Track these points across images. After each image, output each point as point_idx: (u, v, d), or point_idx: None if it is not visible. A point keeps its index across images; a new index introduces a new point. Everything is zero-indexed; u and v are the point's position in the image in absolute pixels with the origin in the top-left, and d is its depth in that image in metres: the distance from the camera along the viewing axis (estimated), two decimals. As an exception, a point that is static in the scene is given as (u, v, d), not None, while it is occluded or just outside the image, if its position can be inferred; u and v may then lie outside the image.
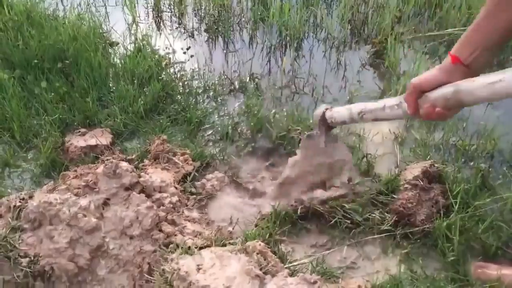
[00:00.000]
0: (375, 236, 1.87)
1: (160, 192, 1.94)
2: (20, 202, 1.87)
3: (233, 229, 1.91)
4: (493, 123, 2.38)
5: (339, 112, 1.76)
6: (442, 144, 2.31)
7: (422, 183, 1.96)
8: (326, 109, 1.83)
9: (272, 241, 1.81)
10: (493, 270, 1.69)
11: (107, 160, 2.04)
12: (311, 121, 2.30)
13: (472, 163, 2.21)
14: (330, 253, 1.83)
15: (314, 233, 1.91)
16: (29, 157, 2.25)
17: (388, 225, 1.87)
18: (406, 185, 1.97)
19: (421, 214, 1.88)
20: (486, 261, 1.77)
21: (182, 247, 1.71)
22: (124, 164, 1.91)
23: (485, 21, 1.12)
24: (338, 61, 3.03)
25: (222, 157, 2.26)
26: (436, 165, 2.05)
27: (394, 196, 1.96)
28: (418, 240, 1.86)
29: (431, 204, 1.92)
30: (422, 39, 3.12)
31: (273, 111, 2.51)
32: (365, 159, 2.18)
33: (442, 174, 2.04)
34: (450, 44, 3.09)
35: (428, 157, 2.21)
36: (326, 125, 1.85)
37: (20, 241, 1.74)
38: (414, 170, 2.04)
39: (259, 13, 3.35)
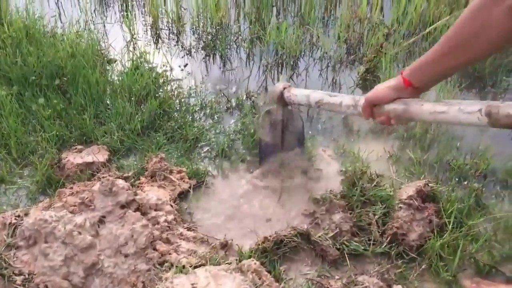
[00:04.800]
0: (370, 256, 1.88)
1: (156, 210, 1.94)
2: (15, 219, 1.88)
3: (228, 247, 1.91)
4: (487, 142, 2.41)
5: (297, 96, 1.96)
6: (437, 163, 2.33)
7: (416, 203, 1.97)
8: (284, 88, 2.02)
9: (267, 260, 1.81)
10: (487, 286, 1.71)
11: (103, 177, 2.05)
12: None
13: (465, 182, 2.23)
14: (326, 272, 1.83)
15: (309, 251, 1.91)
16: (25, 174, 2.25)
17: (383, 246, 1.88)
18: (400, 205, 1.98)
19: (414, 233, 1.89)
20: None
21: (176, 266, 1.72)
22: (120, 182, 1.92)
23: (442, 58, 1.21)
24: (334, 80, 3.07)
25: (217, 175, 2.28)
26: (430, 184, 2.07)
27: (389, 215, 1.98)
28: (412, 260, 1.86)
29: (424, 223, 1.94)
30: (416, 58, 3.17)
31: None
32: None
33: (436, 193, 2.05)
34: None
35: (423, 176, 2.23)
36: (283, 101, 2.04)
37: (14, 259, 1.74)
38: (408, 189, 2.05)
39: (256, 32, 3.40)
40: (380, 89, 1.42)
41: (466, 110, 1.21)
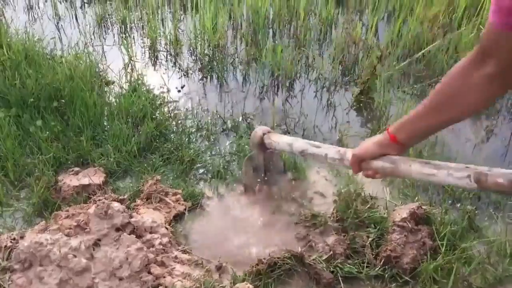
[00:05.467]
0: (364, 279, 1.88)
1: (151, 232, 1.95)
2: (11, 242, 1.89)
3: (222, 270, 1.92)
4: (480, 164, 2.42)
5: (278, 143, 2.01)
6: (430, 185, 2.35)
7: (409, 225, 1.99)
8: (264, 133, 2.09)
9: (261, 283, 1.82)
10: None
11: (99, 200, 2.06)
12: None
13: (459, 205, 2.25)
14: (318, 295, 1.84)
15: (303, 274, 1.92)
16: (21, 196, 2.26)
17: (377, 268, 1.89)
18: (394, 227, 1.99)
19: (408, 256, 1.90)
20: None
21: (171, 289, 1.72)
22: (115, 205, 1.94)
23: (428, 115, 1.25)
24: (329, 101, 3.10)
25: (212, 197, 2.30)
26: (423, 207, 2.09)
27: (382, 237, 1.99)
28: (406, 283, 1.87)
29: (418, 246, 1.95)
30: (411, 80, 3.22)
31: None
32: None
33: (429, 215, 2.07)
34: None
35: (416, 198, 2.25)
36: (263, 147, 2.12)
37: (9, 282, 1.74)
38: (402, 212, 2.07)
39: (252, 54, 3.44)
40: (367, 145, 1.47)
41: (456, 175, 1.28)
